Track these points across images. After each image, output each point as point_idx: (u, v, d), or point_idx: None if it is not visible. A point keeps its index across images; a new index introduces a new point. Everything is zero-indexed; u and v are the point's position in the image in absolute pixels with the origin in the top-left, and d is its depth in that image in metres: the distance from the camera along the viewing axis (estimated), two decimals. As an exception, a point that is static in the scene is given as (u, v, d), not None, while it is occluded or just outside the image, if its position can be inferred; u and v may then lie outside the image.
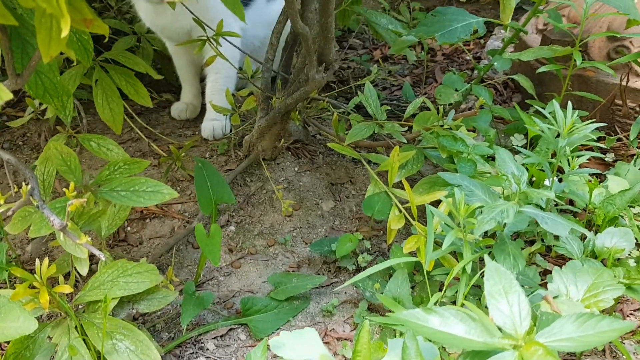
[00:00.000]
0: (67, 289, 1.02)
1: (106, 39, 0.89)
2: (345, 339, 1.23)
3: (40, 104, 1.70)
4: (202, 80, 1.95)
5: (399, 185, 1.38)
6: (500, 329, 0.79)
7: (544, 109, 1.35)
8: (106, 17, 2.01)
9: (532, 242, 1.40)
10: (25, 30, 0.96)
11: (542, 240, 1.39)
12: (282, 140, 1.66)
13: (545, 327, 0.78)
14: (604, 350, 1.21)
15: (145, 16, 1.70)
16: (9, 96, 0.69)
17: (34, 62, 0.83)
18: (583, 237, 1.30)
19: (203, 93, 1.92)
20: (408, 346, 0.82)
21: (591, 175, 1.46)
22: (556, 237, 1.34)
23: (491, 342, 0.77)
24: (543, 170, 1.38)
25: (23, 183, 0.91)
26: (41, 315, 1.18)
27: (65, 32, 0.62)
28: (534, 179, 1.45)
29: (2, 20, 0.69)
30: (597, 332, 0.75)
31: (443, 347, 1.11)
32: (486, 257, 0.84)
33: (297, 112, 1.63)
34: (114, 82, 1.38)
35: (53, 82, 1.02)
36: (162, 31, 1.74)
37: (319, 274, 1.40)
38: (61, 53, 1.61)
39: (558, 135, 1.27)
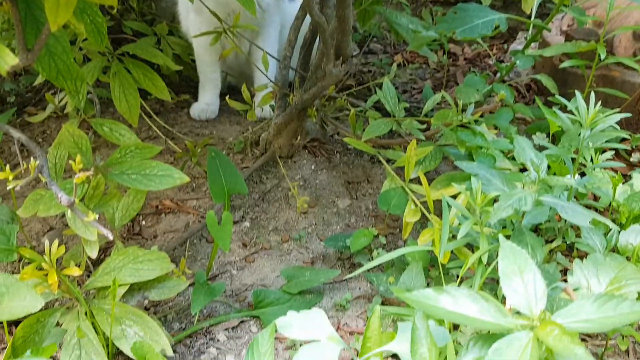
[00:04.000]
0: (76, 271, 1.01)
1: (116, 19, 0.89)
2: (358, 333, 1.20)
3: (60, 101, 1.72)
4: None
5: (417, 182, 1.35)
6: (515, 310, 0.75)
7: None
8: (127, 19, 2.03)
9: (553, 241, 1.36)
10: (40, 12, 0.97)
11: (564, 238, 1.34)
12: (299, 138, 1.65)
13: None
14: (627, 352, 1.16)
15: None
16: (15, 60, 0.69)
17: (44, 36, 0.83)
18: (606, 234, 1.25)
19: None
20: (418, 327, 0.79)
21: (615, 172, 1.41)
22: (578, 235, 1.30)
23: (505, 322, 0.73)
24: (565, 166, 1.34)
25: (32, 159, 0.91)
26: (52, 302, 1.18)
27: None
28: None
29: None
30: (618, 314, 0.71)
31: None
32: (500, 237, 0.81)
33: (315, 109, 1.61)
34: (132, 74, 1.39)
35: (66, 64, 1.02)
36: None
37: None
38: (80, 49, 1.63)
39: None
